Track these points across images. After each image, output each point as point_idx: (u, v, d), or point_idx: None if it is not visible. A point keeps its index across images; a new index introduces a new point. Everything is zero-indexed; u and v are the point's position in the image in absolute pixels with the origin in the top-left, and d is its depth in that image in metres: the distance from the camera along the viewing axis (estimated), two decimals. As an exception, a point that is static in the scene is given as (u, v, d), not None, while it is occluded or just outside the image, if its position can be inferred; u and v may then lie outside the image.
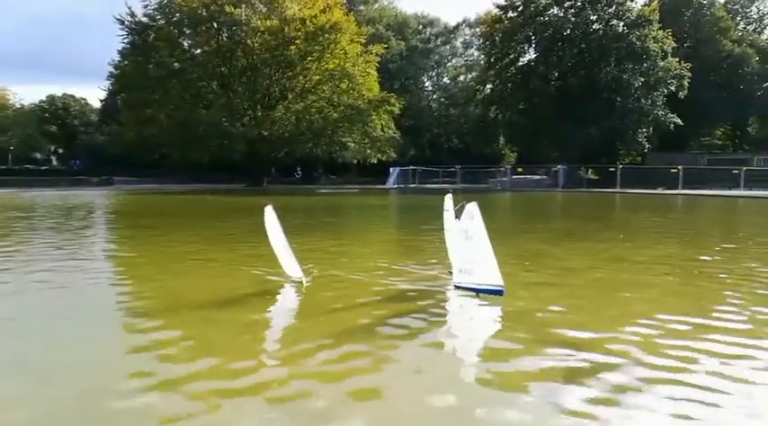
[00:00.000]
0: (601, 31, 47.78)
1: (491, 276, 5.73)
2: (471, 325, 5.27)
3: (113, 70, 56.69)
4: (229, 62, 46.71)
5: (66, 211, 20.04)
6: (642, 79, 45.79)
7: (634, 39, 46.04)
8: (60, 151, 72.98)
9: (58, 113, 72.33)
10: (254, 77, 46.83)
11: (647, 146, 49.70)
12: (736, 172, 37.33)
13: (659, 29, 47.26)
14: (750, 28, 63.91)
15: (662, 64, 46.54)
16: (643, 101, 46.38)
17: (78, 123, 72.79)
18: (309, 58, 46.85)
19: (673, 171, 38.30)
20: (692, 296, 6.25)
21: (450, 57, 67.62)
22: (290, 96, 48.78)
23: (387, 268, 7.49)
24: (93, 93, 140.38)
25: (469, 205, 5.92)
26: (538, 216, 20.04)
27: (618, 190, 38.82)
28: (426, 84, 67.73)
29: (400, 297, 5.92)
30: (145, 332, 4.63)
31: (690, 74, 46.83)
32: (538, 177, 45.85)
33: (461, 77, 67.70)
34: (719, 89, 51.98)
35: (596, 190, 40.02)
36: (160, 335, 4.50)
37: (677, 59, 47.36)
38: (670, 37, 47.57)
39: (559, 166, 44.43)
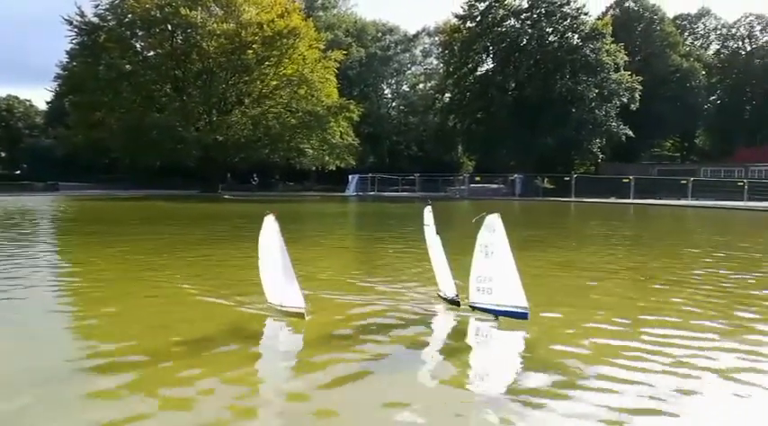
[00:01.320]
0: (556, 44, 48.72)
1: (514, 296, 5.21)
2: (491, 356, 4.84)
3: (61, 71, 54.55)
4: (184, 65, 45.56)
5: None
6: (596, 91, 46.86)
7: (588, 52, 47.12)
8: (3, 155, 69.79)
9: (0, 115, 69.17)
10: (210, 81, 45.79)
11: (600, 156, 50.91)
12: (685, 182, 38.43)
13: (612, 42, 48.57)
14: (697, 43, 66.52)
15: (615, 76, 47.76)
16: (597, 112, 47.45)
17: (23, 126, 69.76)
18: (267, 63, 46.13)
19: (625, 180, 39.19)
20: (626, 298, 6.37)
21: (409, 65, 67.81)
22: (246, 101, 47.89)
23: (369, 288, 7.08)
24: (40, 95, 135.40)
25: (490, 217, 5.38)
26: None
27: (573, 199, 39.45)
28: (386, 92, 67.71)
29: (394, 325, 5.40)
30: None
31: (641, 86, 48.18)
32: (495, 186, 46.23)
33: (421, 85, 67.99)
34: (669, 102, 53.75)
35: (552, 198, 40.58)
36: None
37: (629, 72, 48.71)
38: (622, 50, 48.96)
39: (516, 175, 44.94)
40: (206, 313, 5.80)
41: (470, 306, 5.63)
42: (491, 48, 50.72)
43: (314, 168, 51.60)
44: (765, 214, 27.71)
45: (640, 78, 48.35)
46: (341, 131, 48.04)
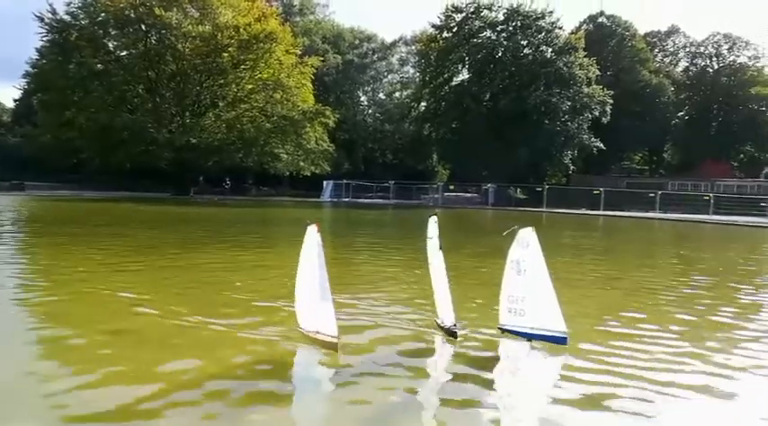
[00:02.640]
0: (530, 56, 49.42)
1: (551, 319, 4.77)
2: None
3: (30, 69, 53.22)
4: (157, 66, 44.93)
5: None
6: (569, 103, 47.62)
7: (561, 65, 47.89)
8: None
9: (-34, 112, 67.23)
10: (184, 83, 45.27)
11: (572, 167, 51.67)
12: (653, 195, 39.27)
13: (585, 56, 49.49)
14: (667, 60, 68.20)
15: (587, 90, 48.63)
16: (569, 124, 48.21)
17: (-11, 123, 67.80)
18: (243, 67, 45.83)
19: (595, 192, 39.86)
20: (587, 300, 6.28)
21: (386, 73, 68.06)
22: (221, 104, 47.46)
23: (356, 305, 6.74)
24: (7, 93, 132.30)
25: (523, 231, 4.96)
26: (467, 233, 20.15)
27: (544, 209, 39.94)
28: (362, 99, 67.80)
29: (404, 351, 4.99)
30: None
31: (612, 100, 49.14)
32: (469, 195, 46.62)
33: (397, 94, 68.28)
34: (638, 116, 54.91)
35: (524, 208, 41.03)
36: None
37: (601, 86, 49.66)
38: (594, 65, 49.90)
39: (490, 185, 45.34)
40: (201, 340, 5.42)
41: (500, 329, 5.22)
42: (467, 58, 51.21)
43: (288, 173, 51.27)
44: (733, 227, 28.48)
45: (611, 92, 49.36)
46: (316, 137, 47.94)
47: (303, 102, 47.72)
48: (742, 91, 60.65)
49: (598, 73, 50.52)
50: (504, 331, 5.18)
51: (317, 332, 4.83)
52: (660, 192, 39.95)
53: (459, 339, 5.14)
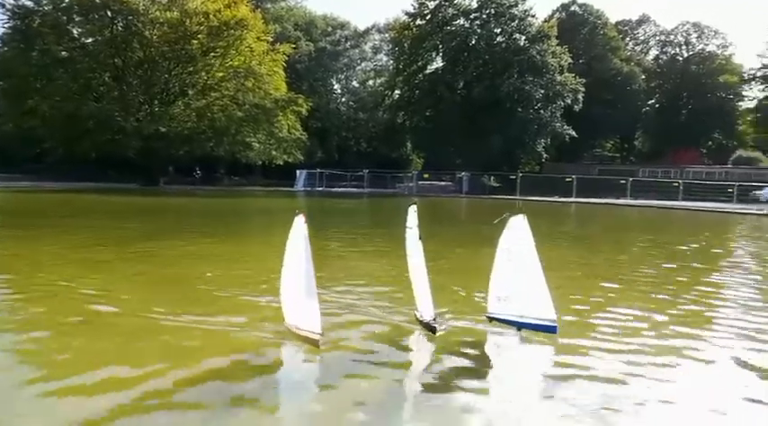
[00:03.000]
0: (504, 44, 49.41)
1: (540, 308, 4.67)
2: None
3: (-9, 56, 51.39)
4: (124, 53, 43.68)
5: None
6: (542, 91, 47.77)
7: (534, 53, 47.95)
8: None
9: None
10: (151, 71, 44.12)
11: (545, 155, 51.97)
12: (624, 182, 39.72)
13: (557, 44, 49.65)
14: (638, 48, 68.95)
15: (559, 78, 48.83)
16: (542, 112, 48.42)
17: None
18: (213, 54, 44.85)
19: (567, 180, 40.17)
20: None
21: (359, 61, 67.38)
22: (190, 92, 46.39)
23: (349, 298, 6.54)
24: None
25: (514, 218, 4.86)
26: (442, 220, 20.08)
27: (518, 197, 40.03)
28: (335, 87, 67.11)
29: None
30: None
31: (584, 89, 49.45)
32: (443, 183, 46.55)
33: (370, 82, 67.74)
34: (610, 104, 55.47)
35: (498, 196, 41.09)
36: None
37: (573, 74, 49.91)
38: (567, 53, 50.10)
39: (464, 173, 45.32)
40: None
41: (488, 318, 5.10)
42: (441, 46, 50.96)
43: (260, 163, 50.50)
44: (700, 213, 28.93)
45: (584, 80, 49.66)
46: (288, 125, 47.25)
47: (275, 90, 46.94)
48: (711, 79, 61.70)
49: (570, 61, 50.75)
50: (492, 319, 5.05)
51: (297, 328, 4.69)
52: (631, 179, 40.47)
53: (439, 333, 4.96)
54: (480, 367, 4.49)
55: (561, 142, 50.79)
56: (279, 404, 3.85)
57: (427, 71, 52.75)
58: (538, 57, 47.96)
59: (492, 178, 48.09)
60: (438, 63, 52.83)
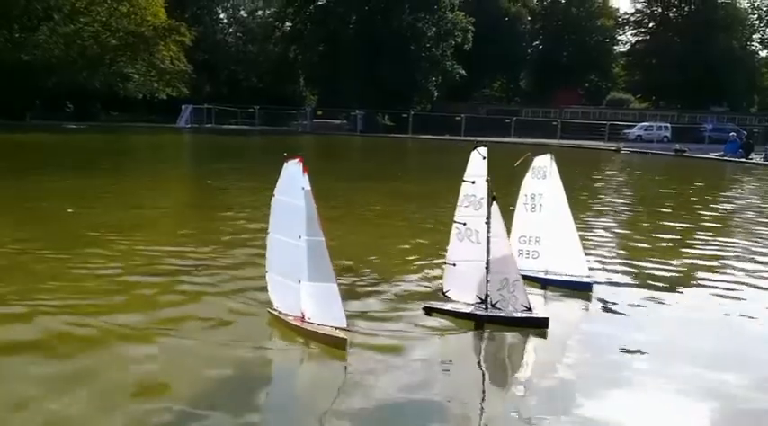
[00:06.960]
0: (396, -22, 48.60)
1: (572, 262, 4.09)
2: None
3: None
4: (-27, -31, 38.13)
5: None
6: (434, 29, 48.01)
7: (426, -12, 47.69)
8: None
9: None
10: (8, -9, 39.03)
11: (435, 94, 52.84)
12: (509, 121, 41.60)
13: (448, -19, 49.62)
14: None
15: (450, 16, 49.24)
16: (434, 50, 48.86)
17: None
18: (80, -27, 40.40)
19: (457, 118, 41.35)
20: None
21: (246, -11, 63.61)
22: (56, 17, 41.70)
23: None
24: None
25: (539, 158, 4.16)
26: (338, 158, 20.17)
27: (410, 135, 40.78)
28: (221, 16, 63.12)
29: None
30: None
31: (473, 28, 50.24)
32: (338, 121, 46.06)
33: (260, 12, 64.34)
34: (498, 45, 56.88)
35: (392, 135, 41.60)
36: None
37: (463, 14, 50.44)
38: (457, -10, 50.37)
39: (358, 111, 45.08)
40: None
41: None
42: (332, -23, 49.22)
43: (141, 96, 47.00)
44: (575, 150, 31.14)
45: (473, 20, 50.40)
46: (171, 56, 44.16)
47: (153, 17, 43.38)
48: (589, 22, 64.91)
49: (461, -1, 51.15)
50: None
51: (311, 323, 3.55)
52: (515, 118, 42.41)
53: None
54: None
55: (452, 82, 51.78)
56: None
57: (319, 2, 50.99)
58: (430, -8, 47.79)
59: (386, 117, 48.34)
60: (330, -5, 51.14)
